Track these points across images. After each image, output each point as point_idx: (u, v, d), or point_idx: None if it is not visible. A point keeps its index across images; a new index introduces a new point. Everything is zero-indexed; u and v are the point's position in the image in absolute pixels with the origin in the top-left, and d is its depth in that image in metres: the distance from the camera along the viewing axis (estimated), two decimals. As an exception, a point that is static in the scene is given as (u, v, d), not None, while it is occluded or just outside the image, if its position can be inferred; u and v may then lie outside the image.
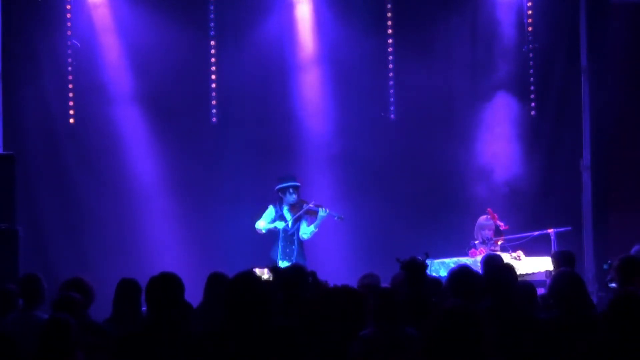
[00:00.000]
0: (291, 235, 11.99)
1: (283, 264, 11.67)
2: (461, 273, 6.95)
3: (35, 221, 12.93)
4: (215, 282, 7.67)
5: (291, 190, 11.96)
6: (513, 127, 13.48)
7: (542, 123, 13.71)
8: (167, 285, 5.60)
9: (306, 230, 11.98)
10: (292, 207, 11.97)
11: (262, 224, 11.96)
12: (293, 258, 11.77)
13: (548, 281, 8.54)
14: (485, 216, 11.98)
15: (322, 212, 11.83)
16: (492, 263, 8.10)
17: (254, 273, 5.84)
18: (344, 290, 5.08)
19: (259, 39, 13.60)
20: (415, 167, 13.61)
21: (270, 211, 12.03)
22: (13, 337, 5.46)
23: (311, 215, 11.94)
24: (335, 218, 12.03)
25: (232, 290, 5.13)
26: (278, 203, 12.06)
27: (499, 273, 6.88)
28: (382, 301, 6.35)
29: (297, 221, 11.97)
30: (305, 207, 11.89)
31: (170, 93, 13.52)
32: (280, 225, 11.88)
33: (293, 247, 11.97)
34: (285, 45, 13.74)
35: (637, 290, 6.80)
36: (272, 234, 12.05)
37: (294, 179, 12.02)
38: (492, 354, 5.01)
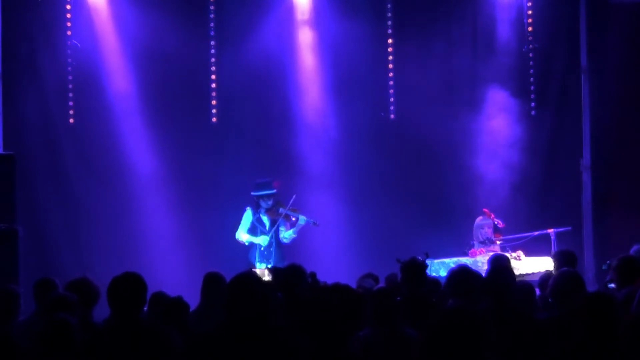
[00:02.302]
0: (269, 237, 12.06)
1: (261, 266, 11.74)
2: (461, 273, 6.95)
3: (35, 221, 12.92)
4: (211, 281, 7.68)
5: (265, 198, 12.01)
6: (513, 127, 13.48)
7: (542, 123, 13.71)
8: (131, 285, 5.66)
9: (285, 235, 12.03)
10: (269, 211, 12.03)
11: (245, 237, 12.02)
12: (271, 260, 11.83)
13: (550, 281, 8.51)
14: (481, 217, 12.00)
15: (301, 221, 11.90)
16: (497, 263, 8.11)
17: (254, 273, 5.86)
18: (339, 288, 5.07)
19: (259, 39, 13.60)
20: (415, 167, 13.61)
21: (248, 215, 12.09)
22: (14, 339, 5.46)
23: (289, 220, 11.99)
24: (311, 224, 12.06)
25: (232, 291, 5.13)
26: (255, 206, 12.10)
27: (498, 273, 6.88)
28: (380, 302, 6.35)
29: (273, 225, 12.02)
30: (281, 211, 11.93)
31: (170, 93, 13.53)
32: (264, 242, 11.91)
33: (271, 249, 12.03)
34: (285, 45, 13.75)
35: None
36: (250, 234, 12.08)
37: (270, 187, 12.04)
38: (492, 355, 5.01)
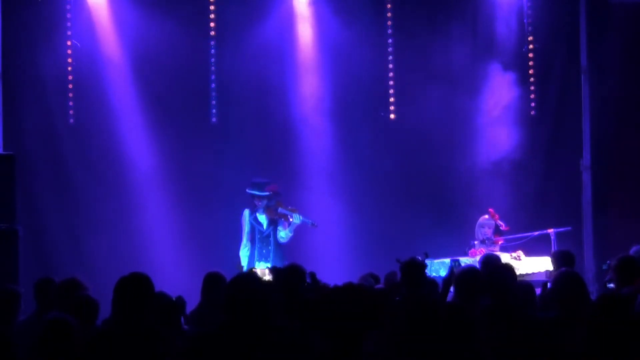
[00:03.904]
0: (267, 236, 12.04)
1: (260, 265, 11.73)
2: (467, 273, 6.96)
3: (35, 221, 12.92)
4: (211, 281, 7.68)
5: (257, 198, 11.97)
6: (513, 127, 13.48)
7: (542, 123, 13.72)
8: (138, 285, 5.65)
9: (282, 234, 12.01)
10: (267, 209, 12.00)
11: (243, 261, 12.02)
12: (270, 259, 11.82)
13: (549, 282, 8.51)
14: (486, 216, 12.00)
15: (296, 220, 11.86)
16: (491, 263, 8.11)
17: (254, 273, 5.86)
18: (351, 287, 5.08)
19: (259, 38, 13.60)
20: (415, 167, 13.61)
21: (245, 217, 12.06)
22: (11, 339, 5.45)
23: (287, 219, 11.97)
24: (309, 225, 12.03)
25: (231, 291, 5.14)
26: (251, 205, 12.08)
27: (498, 273, 6.88)
28: (380, 302, 6.34)
29: (272, 224, 12.02)
30: (280, 210, 11.91)
31: (170, 93, 13.52)
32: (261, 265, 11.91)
33: (269, 248, 12.01)
34: (285, 45, 13.74)
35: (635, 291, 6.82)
36: (249, 235, 12.04)
37: (262, 189, 11.98)
38: (490, 354, 5.01)
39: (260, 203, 12.01)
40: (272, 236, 12.02)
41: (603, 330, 5.20)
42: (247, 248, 12.02)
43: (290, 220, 11.90)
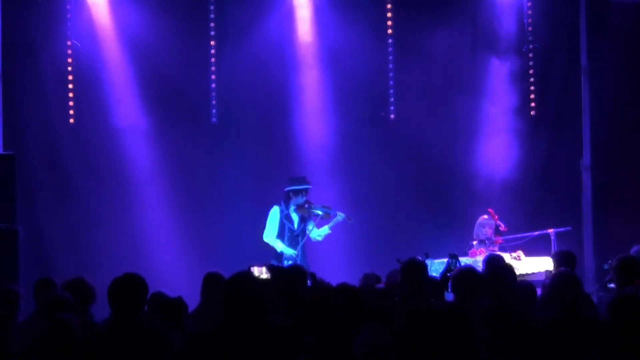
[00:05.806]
0: (297, 236, 11.96)
1: (287, 263, 11.65)
2: (466, 272, 6.97)
3: (35, 221, 12.93)
4: (211, 282, 7.69)
5: (303, 193, 11.89)
6: (513, 128, 13.49)
7: (542, 123, 13.72)
8: (131, 286, 5.66)
9: (320, 232, 11.90)
10: (299, 207, 11.92)
11: (279, 245, 11.82)
12: (298, 258, 11.75)
13: (547, 282, 8.52)
14: (486, 215, 12.00)
15: (338, 216, 11.78)
16: (494, 263, 8.11)
17: (250, 273, 5.84)
18: (343, 288, 5.09)
19: (259, 39, 13.60)
20: (415, 167, 13.61)
21: (275, 213, 11.93)
22: (7, 340, 5.46)
23: (321, 217, 11.88)
24: (346, 219, 11.95)
25: (228, 291, 5.14)
26: (284, 202, 11.98)
27: (499, 273, 6.88)
28: (380, 301, 6.36)
29: (303, 222, 11.95)
30: (315, 207, 11.83)
31: (170, 93, 13.53)
32: (290, 252, 11.77)
33: (298, 247, 11.94)
34: (285, 45, 13.75)
35: (636, 291, 6.82)
36: (278, 233, 11.95)
37: (306, 182, 11.95)
38: (488, 354, 5.02)
39: (301, 199, 11.85)
40: (301, 235, 11.94)
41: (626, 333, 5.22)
42: (278, 245, 11.89)
43: (322, 215, 11.75)
